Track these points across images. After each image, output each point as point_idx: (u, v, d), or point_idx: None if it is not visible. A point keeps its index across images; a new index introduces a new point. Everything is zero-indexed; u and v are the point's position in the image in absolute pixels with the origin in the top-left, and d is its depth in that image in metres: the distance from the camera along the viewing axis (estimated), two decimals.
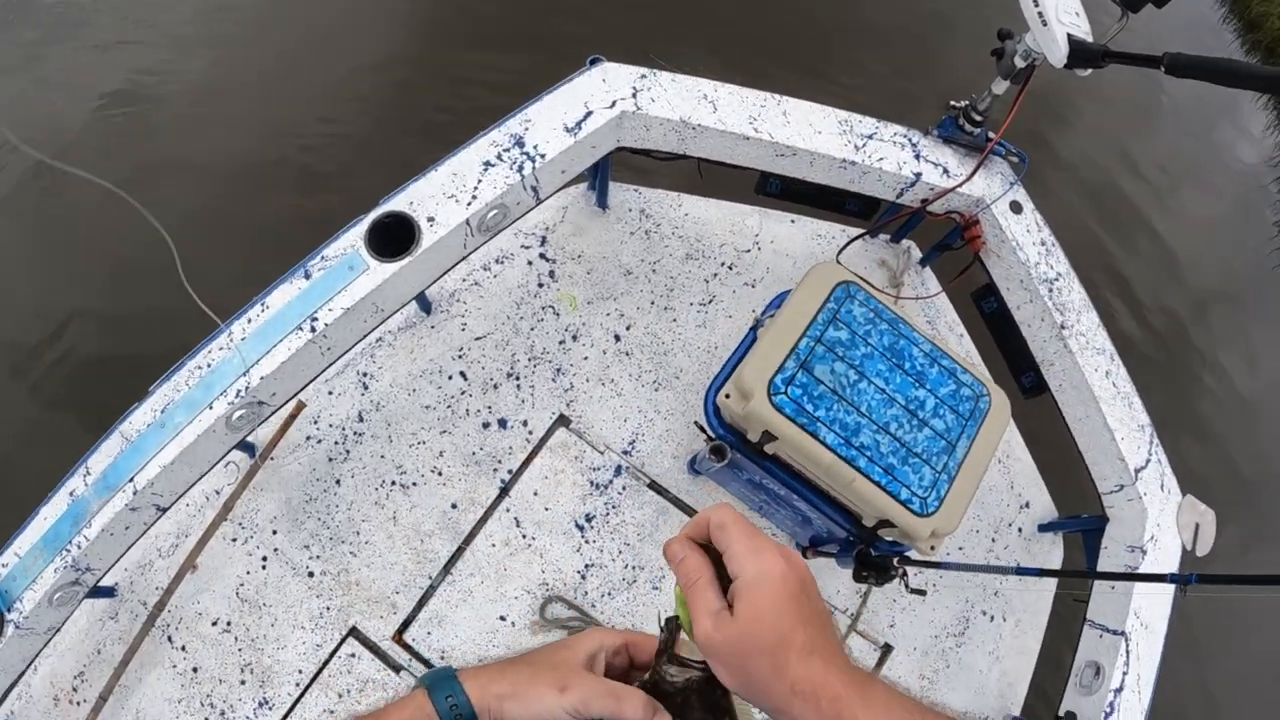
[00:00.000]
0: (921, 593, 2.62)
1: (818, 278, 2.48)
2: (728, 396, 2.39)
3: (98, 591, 2.56)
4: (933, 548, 2.38)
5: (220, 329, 2.37)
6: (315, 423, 3.01)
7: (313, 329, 2.34)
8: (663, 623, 0.99)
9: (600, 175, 3.11)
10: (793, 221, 3.36)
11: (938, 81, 5.99)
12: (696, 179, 3.06)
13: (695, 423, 2.81)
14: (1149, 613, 2.67)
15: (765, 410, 2.27)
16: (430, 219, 2.45)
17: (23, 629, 2.28)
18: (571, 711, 0.93)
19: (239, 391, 2.30)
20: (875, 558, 2.53)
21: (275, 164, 5.13)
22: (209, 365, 2.33)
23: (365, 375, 3.04)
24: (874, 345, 2.43)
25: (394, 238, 2.44)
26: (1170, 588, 2.67)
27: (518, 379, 3.07)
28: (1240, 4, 8.82)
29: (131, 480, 2.28)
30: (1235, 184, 7.20)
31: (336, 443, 2.99)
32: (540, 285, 3.17)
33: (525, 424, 3.03)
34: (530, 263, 3.19)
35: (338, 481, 2.96)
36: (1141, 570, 2.71)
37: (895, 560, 2.52)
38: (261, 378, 2.31)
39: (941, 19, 6.48)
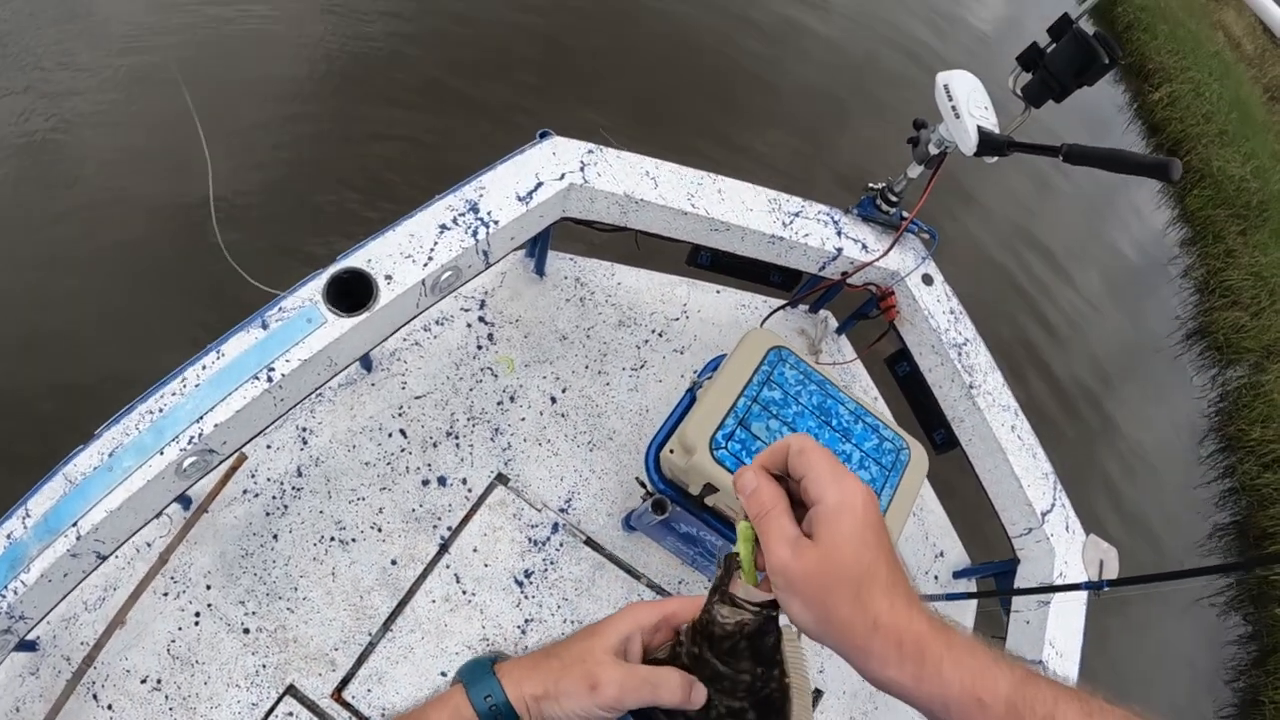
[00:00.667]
0: None
1: (752, 343, 2.66)
2: (671, 452, 2.53)
3: (21, 645, 2.49)
4: None
5: (173, 374, 2.37)
6: (253, 476, 3.03)
7: (269, 379, 2.37)
8: (720, 561, 0.94)
9: (540, 243, 3.24)
10: (718, 292, 3.54)
11: (838, 158, 6.37)
12: (626, 249, 3.23)
13: (636, 478, 2.93)
14: (1063, 640, 2.85)
15: (708, 464, 2.42)
16: (388, 277, 2.53)
17: (18, 609, 2.23)
18: (606, 709, 0.89)
19: (191, 439, 2.30)
20: None
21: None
22: (160, 410, 2.32)
23: (305, 430, 3.09)
24: (804, 404, 2.60)
25: (351, 292, 2.50)
26: (1081, 614, 2.88)
27: (457, 438, 3.16)
28: (1145, 109, 9.72)
29: (75, 525, 2.24)
30: (1130, 259, 7.80)
31: (274, 497, 3.02)
32: (479, 347, 3.27)
33: (464, 482, 3.11)
34: (470, 325, 3.29)
35: (275, 536, 2.98)
36: (1053, 606, 2.90)
37: None
38: (215, 425, 2.32)
39: (840, 104, 6.86)
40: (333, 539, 3.00)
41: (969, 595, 2.89)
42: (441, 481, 3.10)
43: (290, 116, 5.70)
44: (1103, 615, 2.48)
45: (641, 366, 3.37)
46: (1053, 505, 3.01)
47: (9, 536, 2.25)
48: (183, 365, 2.39)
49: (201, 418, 2.32)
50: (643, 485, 2.90)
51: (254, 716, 2.82)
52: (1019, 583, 3.04)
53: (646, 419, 3.31)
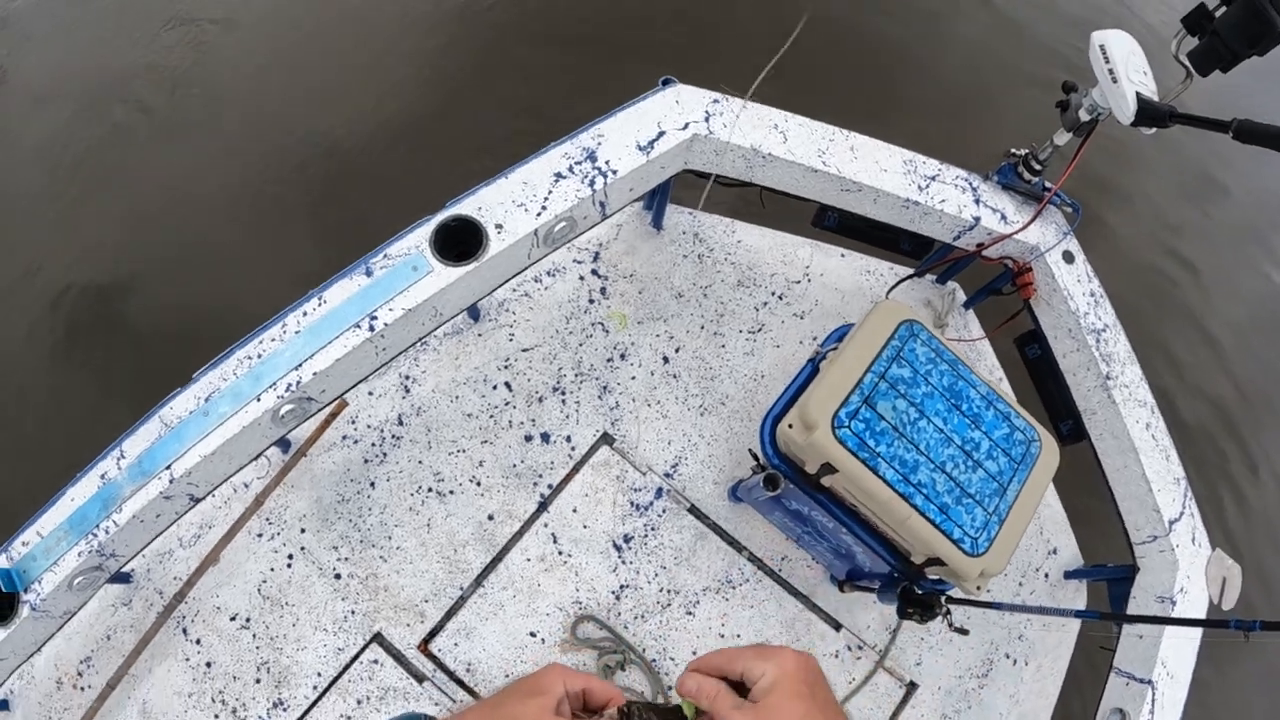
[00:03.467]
0: (965, 631, 2.70)
1: (883, 314, 2.56)
2: (790, 426, 2.45)
3: (115, 577, 2.56)
4: (979, 588, 2.45)
5: (272, 320, 2.38)
6: (353, 423, 3.05)
7: (371, 328, 2.35)
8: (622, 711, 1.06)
9: (659, 196, 3.17)
10: (843, 256, 3.43)
11: (987, 128, 6.08)
12: (744, 205, 3.14)
13: (750, 450, 2.87)
14: (1175, 663, 2.74)
15: (828, 443, 2.34)
16: (498, 226, 2.48)
17: (39, 611, 2.28)
18: None
19: (289, 386, 2.31)
20: (921, 595, 2.61)
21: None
22: (259, 356, 2.33)
23: (407, 378, 3.09)
24: (934, 385, 2.51)
25: (459, 242, 2.46)
26: (1198, 635, 2.77)
27: (563, 394, 3.13)
28: None
29: (169, 468, 2.28)
30: None
31: (374, 444, 3.03)
32: (591, 301, 3.23)
33: (569, 439, 3.08)
34: (582, 278, 3.25)
35: (372, 484, 3.00)
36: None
37: (942, 598, 2.60)
38: (314, 374, 2.32)
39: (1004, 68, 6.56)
40: (430, 490, 3.00)
41: (1099, 615, 2.78)
42: (545, 438, 3.08)
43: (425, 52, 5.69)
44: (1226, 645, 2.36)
45: (759, 330, 3.29)
46: (1181, 514, 2.88)
47: (103, 477, 2.30)
48: (283, 311, 2.39)
49: (300, 365, 2.32)
50: (755, 457, 2.83)
51: (339, 661, 2.86)
52: (1136, 592, 2.93)
53: (761, 385, 3.24)
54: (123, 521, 2.27)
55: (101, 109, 5.38)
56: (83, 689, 2.99)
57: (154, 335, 4.68)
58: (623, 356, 3.19)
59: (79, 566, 2.27)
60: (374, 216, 3.75)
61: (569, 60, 5.53)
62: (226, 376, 2.33)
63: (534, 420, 3.09)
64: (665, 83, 2.78)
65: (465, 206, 2.50)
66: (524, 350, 3.15)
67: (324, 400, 2.49)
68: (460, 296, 2.55)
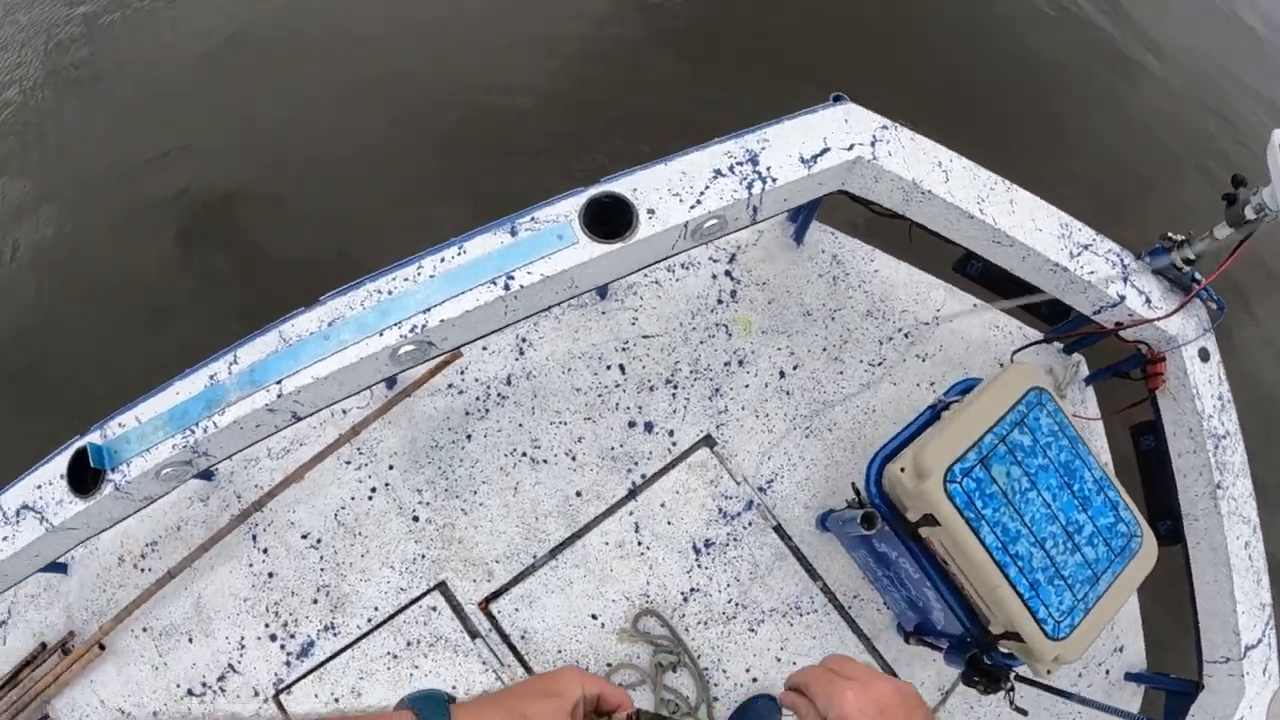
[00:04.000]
0: (1024, 712, 2.67)
1: (1014, 376, 2.53)
2: (902, 469, 2.44)
3: (200, 474, 2.62)
4: (1049, 671, 2.42)
5: (409, 260, 2.40)
6: (462, 374, 3.08)
7: (506, 287, 2.36)
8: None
9: (807, 211, 3.15)
10: (974, 306, 3.39)
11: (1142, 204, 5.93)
12: (885, 233, 3.11)
13: (852, 484, 2.86)
14: None
15: (937, 495, 2.32)
16: (650, 211, 2.47)
17: (121, 492, 2.33)
18: None
19: (414, 327, 2.33)
20: (989, 666, 2.58)
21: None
22: (389, 292, 2.36)
23: (524, 340, 3.11)
24: (1051, 458, 2.48)
25: (608, 219, 2.46)
26: None
27: (675, 387, 3.14)
28: None
29: (279, 383, 2.31)
30: None
31: (478, 398, 3.07)
32: (720, 301, 3.23)
33: (671, 434, 3.09)
34: (715, 276, 3.25)
35: (469, 437, 3.04)
36: None
37: (1010, 674, 2.58)
38: (441, 320, 2.33)
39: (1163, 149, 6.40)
40: (524, 455, 3.03)
41: None
42: (648, 427, 3.09)
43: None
44: None
45: (880, 363, 3.27)
46: (1259, 640, 2.81)
47: (212, 377, 2.35)
48: (421, 252, 2.40)
49: (429, 310, 2.34)
50: (856, 492, 2.82)
51: (398, 600, 2.91)
52: (1196, 711, 2.85)
53: (871, 420, 3.22)
54: (222, 425, 2.31)
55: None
56: (143, 570, 3.07)
57: (276, 252, 4.78)
58: (740, 363, 3.19)
59: (170, 458, 2.32)
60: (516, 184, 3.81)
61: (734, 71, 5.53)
62: (354, 305, 2.36)
63: (640, 408, 3.10)
64: (836, 99, 2.75)
65: (620, 185, 2.49)
66: (644, 337, 3.16)
67: (443, 348, 2.51)
68: (599, 273, 2.55)
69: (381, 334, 2.33)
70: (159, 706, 3.08)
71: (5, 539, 2.41)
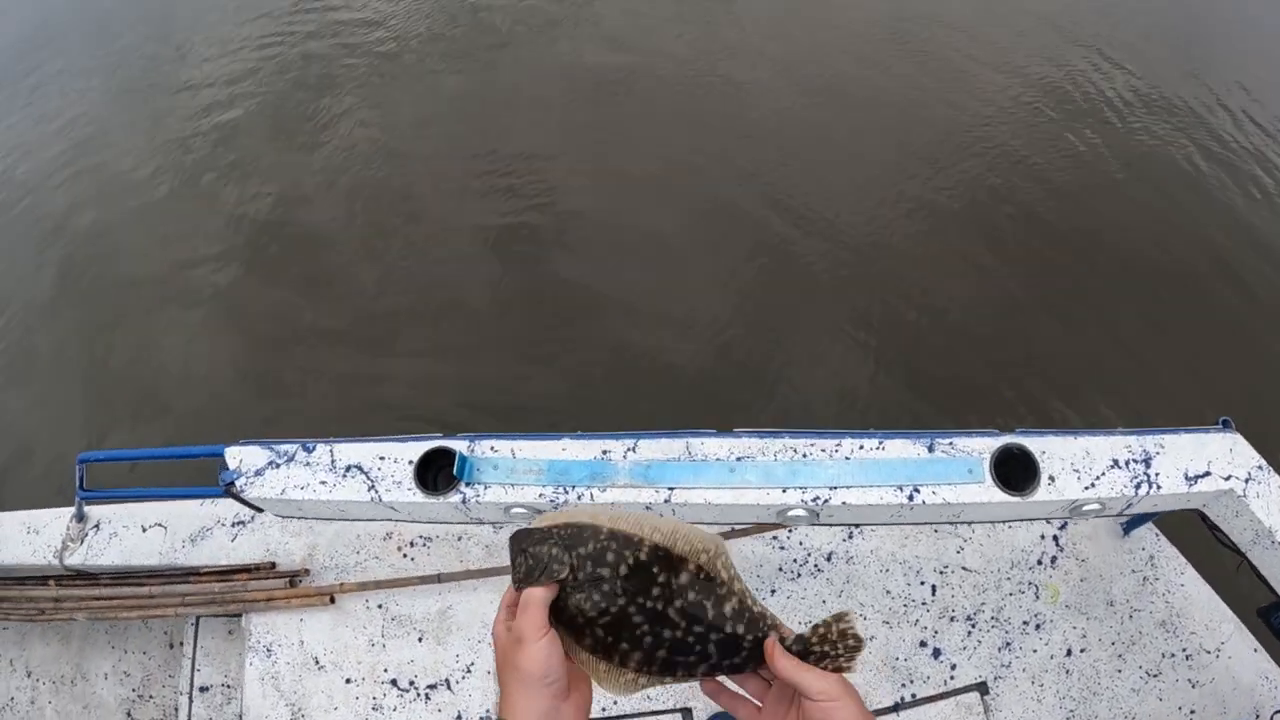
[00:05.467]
0: None
1: None
2: None
3: None
4: None
5: (831, 432, 2.49)
6: (791, 531, 3.22)
7: (909, 497, 2.44)
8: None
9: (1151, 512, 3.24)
10: (1255, 650, 3.49)
11: None
12: (1204, 549, 3.20)
13: None
14: None
15: None
16: (1051, 478, 2.54)
17: (465, 506, 2.46)
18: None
19: (816, 498, 2.41)
20: None
21: None
22: (804, 455, 2.44)
23: (857, 527, 3.24)
24: None
25: (1011, 467, 2.54)
26: None
27: (973, 626, 3.27)
28: None
29: (670, 489, 2.40)
30: None
31: (795, 561, 3.24)
32: (1039, 562, 3.35)
33: (953, 668, 3.22)
34: (1043, 537, 3.36)
35: (772, 591, 3.22)
36: None
37: None
38: (843, 502, 2.42)
39: None
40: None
41: None
42: (936, 653, 3.23)
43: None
44: None
45: (1155, 675, 3.38)
46: None
47: (605, 453, 2.45)
48: (844, 431, 2.51)
49: (835, 488, 2.43)
50: None
51: (642, 704, 3.11)
52: None
53: None
54: (597, 498, 2.40)
55: None
56: (406, 556, 3.25)
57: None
58: (1037, 627, 3.31)
59: (528, 503, 2.43)
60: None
61: None
62: (767, 453, 2.45)
63: (937, 633, 3.24)
64: (1224, 424, 2.81)
65: (1033, 443, 2.56)
66: (964, 568, 3.29)
67: (823, 520, 2.59)
68: (988, 514, 2.62)
69: (785, 490, 2.41)
70: (355, 675, 3.27)
71: (324, 483, 2.56)
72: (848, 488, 2.44)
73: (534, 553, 1.15)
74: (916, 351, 5.74)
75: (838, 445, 2.49)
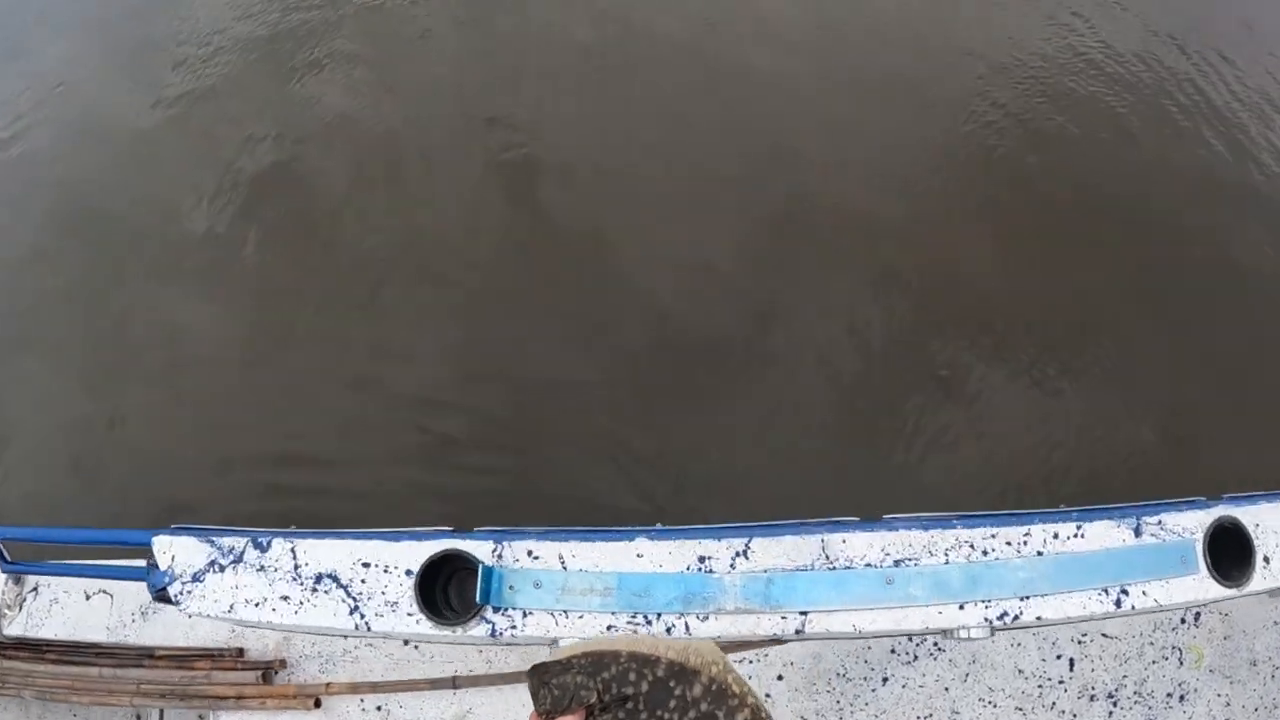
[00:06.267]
0: None
1: None
2: None
3: None
4: None
5: (1012, 516, 1.89)
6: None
7: (1117, 602, 1.86)
8: None
9: None
10: None
11: None
12: None
13: None
14: None
15: None
16: (1266, 559, 1.99)
17: (492, 637, 1.78)
18: None
19: (1004, 614, 1.84)
20: None
21: None
22: (984, 552, 1.84)
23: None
24: None
25: (1218, 547, 1.97)
26: None
27: (1115, 705, 2.79)
28: None
29: (803, 614, 1.78)
30: None
31: (912, 639, 2.71)
32: (1183, 621, 2.89)
33: None
34: None
35: (884, 680, 2.72)
36: None
37: None
38: (1037, 617, 1.83)
39: None
40: None
41: None
42: None
43: None
44: None
45: None
46: None
47: (703, 560, 1.81)
48: (1030, 514, 1.90)
49: (1027, 598, 1.83)
50: None
51: None
52: None
53: None
54: (692, 630, 1.74)
55: None
56: (410, 645, 2.79)
57: None
58: (1181, 699, 2.86)
59: (585, 637, 1.78)
60: None
61: None
62: (933, 550, 1.83)
63: (1075, 717, 2.74)
64: None
65: (1244, 513, 2.00)
66: (1104, 635, 2.80)
67: (1006, 624, 1.91)
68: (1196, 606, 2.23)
69: (962, 607, 1.80)
70: None
71: (285, 599, 1.86)
72: (1043, 596, 1.83)
73: (558, 684, 1.37)
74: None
75: (1026, 535, 1.86)
